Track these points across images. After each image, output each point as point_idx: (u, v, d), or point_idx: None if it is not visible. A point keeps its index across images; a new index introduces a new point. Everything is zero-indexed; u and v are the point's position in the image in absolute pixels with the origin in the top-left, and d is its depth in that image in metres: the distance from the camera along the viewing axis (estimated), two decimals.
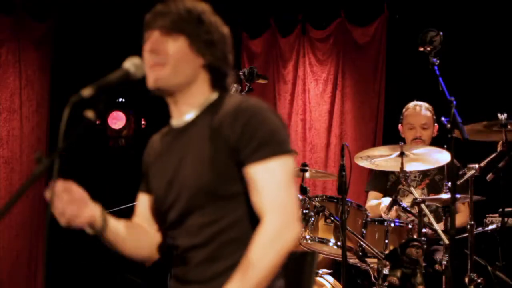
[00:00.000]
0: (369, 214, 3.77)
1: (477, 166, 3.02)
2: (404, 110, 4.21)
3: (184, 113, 1.84)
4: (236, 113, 1.73)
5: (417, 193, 3.52)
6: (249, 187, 1.73)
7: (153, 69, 1.79)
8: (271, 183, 1.70)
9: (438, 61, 2.85)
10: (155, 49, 1.78)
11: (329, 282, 3.58)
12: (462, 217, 3.78)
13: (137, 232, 1.92)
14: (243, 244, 1.70)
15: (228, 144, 1.73)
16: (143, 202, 1.99)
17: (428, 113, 4.11)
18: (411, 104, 4.19)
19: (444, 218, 3.55)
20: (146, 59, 1.80)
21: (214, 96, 1.85)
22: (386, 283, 3.53)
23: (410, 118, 4.13)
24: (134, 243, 1.91)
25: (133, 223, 1.95)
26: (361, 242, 3.61)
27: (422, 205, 3.39)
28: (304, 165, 4.31)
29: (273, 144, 1.73)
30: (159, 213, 1.91)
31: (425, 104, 4.15)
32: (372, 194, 4.26)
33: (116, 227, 1.85)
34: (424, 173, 4.09)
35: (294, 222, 1.70)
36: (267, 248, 1.66)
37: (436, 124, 4.13)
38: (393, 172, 4.15)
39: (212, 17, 1.85)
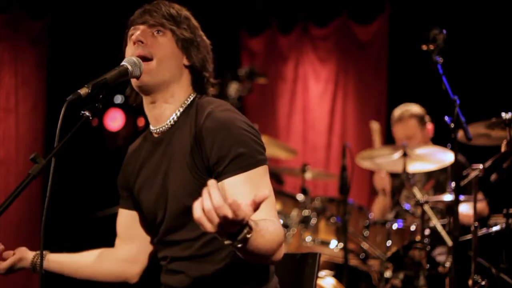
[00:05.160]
0: (370, 216, 3.74)
1: (481, 166, 2.97)
2: (391, 117, 4.08)
3: (163, 117, 1.82)
4: (202, 130, 1.71)
5: (420, 195, 3.46)
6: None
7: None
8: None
9: (441, 59, 2.81)
10: (142, 40, 1.77)
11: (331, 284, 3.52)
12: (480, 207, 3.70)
13: (97, 260, 2.02)
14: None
15: (203, 161, 1.72)
16: (124, 219, 2.01)
17: (412, 121, 3.93)
18: (396, 113, 4.02)
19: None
20: (132, 51, 1.78)
21: (192, 98, 1.84)
22: (388, 286, 3.49)
23: (395, 129, 4.02)
24: (96, 270, 2.02)
25: (92, 252, 2.05)
26: (363, 244, 3.58)
27: (426, 206, 3.35)
28: (305, 165, 4.28)
29: (243, 157, 1.67)
30: (150, 226, 1.92)
31: (410, 110, 3.96)
32: (378, 197, 4.18)
33: (61, 260, 2.08)
34: (429, 174, 4.02)
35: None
36: (279, 240, 1.61)
37: (429, 125, 4.01)
38: (397, 174, 4.08)
39: (196, 23, 1.86)
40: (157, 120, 1.84)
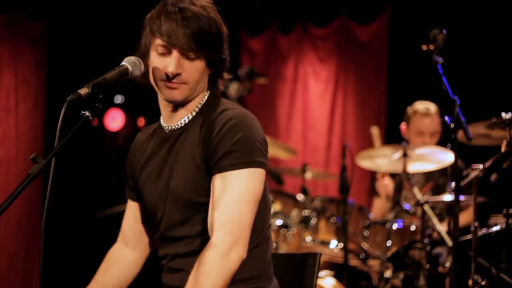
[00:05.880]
0: (370, 216, 3.74)
1: (481, 166, 2.97)
2: (411, 110, 3.96)
3: (179, 117, 1.84)
4: (212, 125, 1.74)
5: (420, 195, 3.46)
6: (211, 195, 1.71)
7: (174, 86, 1.76)
8: (229, 197, 1.67)
9: (441, 59, 2.81)
10: (179, 72, 1.75)
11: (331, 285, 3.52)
12: (467, 216, 3.72)
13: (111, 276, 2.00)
14: None
15: (204, 157, 1.73)
16: (130, 211, 2.01)
17: (438, 119, 3.87)
18: (421, 107, 3.91)
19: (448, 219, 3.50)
20: (163, 76, 1.76)
21: (206, 97, 1.85)
22: (388, 286, 3.49)
23: (420, 123, 3.89)
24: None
25: (100, 274, 2.01)
26: (363, 244, 3.58)
27: (425, 207, 3.34)
28: (305, 165, 4.28)
29: (240, 154, 1.69)
30: (152, 221, 1.92)
31: (435, 108, 3.90)
32: (378, 199, 4.17)
33: None
34: (427, 176, 4.02)
35: (241, 242, 1.67)
36: (214, 270, 1.63)
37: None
38: (396, 174, 4.07)
39: (220, 22, 1.81)
40: (171, 119, 1.85)
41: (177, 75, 1.74)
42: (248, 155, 1.70)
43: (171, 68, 1.74)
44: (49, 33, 5.32)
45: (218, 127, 1.72)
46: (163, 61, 1.75)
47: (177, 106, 1.82)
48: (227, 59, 1.84)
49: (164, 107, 1.85)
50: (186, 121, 1.82)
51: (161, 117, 1.89)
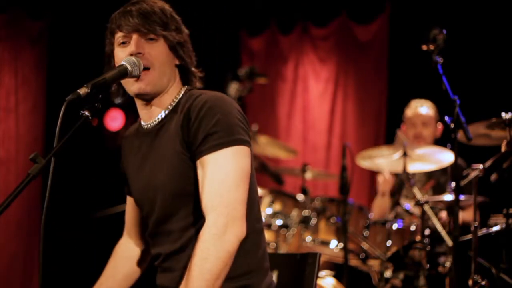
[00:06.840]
0: (370, 216, 3.74)
1: (481, 166, 2.97)
2: (406, 108, 4.15)
3: (155, 114, 1.85)
4: (189, 111, 1.74)
5: (420, 195, 3.46)
6: (198, 181, 1.70)
7: (140, 77, 1.77)
8: (216, 178, 1.66)
9: (441, 59, 2.81)
10: (140, 52, 1.77)
11: (331, 285, 3.52)
12: (468, 214, 3.72)
13: (119, 276, 2.02)
14: None
15: (185, 144, 1.74)
16: (129, 207, 2.04)
17: (430, 111, 4.03)
18: (413, 102, 4.12)
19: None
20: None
21: (181, 92, 1.86)
22: (388, 286, 3.49)
23: (411, 115, 4.07)
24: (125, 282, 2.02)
25: (111, 270, 2.03)
26: (363, 244, 3.58)
27: (425, 207, 3.34)
28: (305, 165, 4.28)
29: (220, 134, 1.69)
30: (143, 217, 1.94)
31: (427, 103, 4.09)
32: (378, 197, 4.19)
33: None
34: (428, 175, 4.03)
35: (237, 221, 1.65)
36: (210, 253, 1.62)
37: (440, 125, 4.05)
38: (397, 174, 4.08)
39: (177, 16, 1.87)
40: (149, 117, 1.87)
41: (138, 54, 1.76)
42: (229, 134, 1.69)
43: (131, 48, 1.77)
44: (49, 33, 5.32)
45: (195, 112, 1.72)
46: (125, 51, 1.79)
47: (151, 102, 1.83)
48: (190, 48, 1.86)
49: (140, 107, 1.87)
50: (163, 115, 1.83)
51: (141, 119, 1.90)
